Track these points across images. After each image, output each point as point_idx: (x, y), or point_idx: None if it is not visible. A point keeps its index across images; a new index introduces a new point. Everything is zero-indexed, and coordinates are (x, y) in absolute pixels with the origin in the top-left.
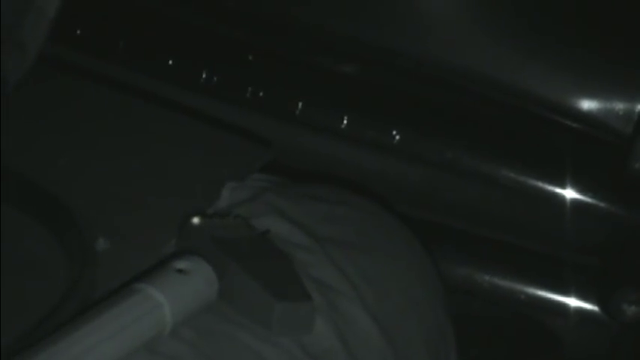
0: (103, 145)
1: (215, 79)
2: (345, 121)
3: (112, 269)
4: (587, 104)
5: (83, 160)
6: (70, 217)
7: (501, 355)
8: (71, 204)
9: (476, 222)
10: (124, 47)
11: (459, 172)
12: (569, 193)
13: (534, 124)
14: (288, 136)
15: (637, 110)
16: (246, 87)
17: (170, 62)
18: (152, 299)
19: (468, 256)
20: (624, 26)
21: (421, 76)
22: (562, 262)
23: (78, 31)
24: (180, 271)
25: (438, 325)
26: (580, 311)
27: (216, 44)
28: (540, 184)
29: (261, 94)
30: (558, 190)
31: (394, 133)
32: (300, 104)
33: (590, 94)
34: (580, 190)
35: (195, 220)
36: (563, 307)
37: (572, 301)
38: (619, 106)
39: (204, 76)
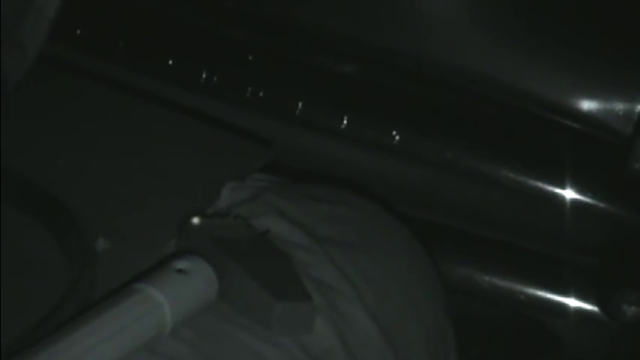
0: (103, 145)
1: (215, 79)
2: (345, 121)
3: (112, 269)
4: (587, 104)
5: (83, 160)
6: (70, 217)
7: (501, 355)
8: (71, 204)
9: (476, 222)
10: (124, 47)
11: (459, 172)
12: (569, 193)
13: (534, 124)
14: (288, 136)
15: (637, 110)
16: (246, 87)
17: (170, 62)
18: (152, 299)
19: (468, 257)
20: (624, 26)
21: (421, 76)
22: (562, 263)
23: (78, 31)
24: (180, 271)
25: (437, 325)
26: (580, 311)
27: (216, 44)
28: (540, 184)
29: (261, 94)
30: (558, 190)
31: (394, 133)
32: (300, 104)
33: (590, 94)
34: (580, 190)
35: (195, 220)
36: (563, 307)
37: (572, 302)
38: (619, 106)
39: (204, 76)
